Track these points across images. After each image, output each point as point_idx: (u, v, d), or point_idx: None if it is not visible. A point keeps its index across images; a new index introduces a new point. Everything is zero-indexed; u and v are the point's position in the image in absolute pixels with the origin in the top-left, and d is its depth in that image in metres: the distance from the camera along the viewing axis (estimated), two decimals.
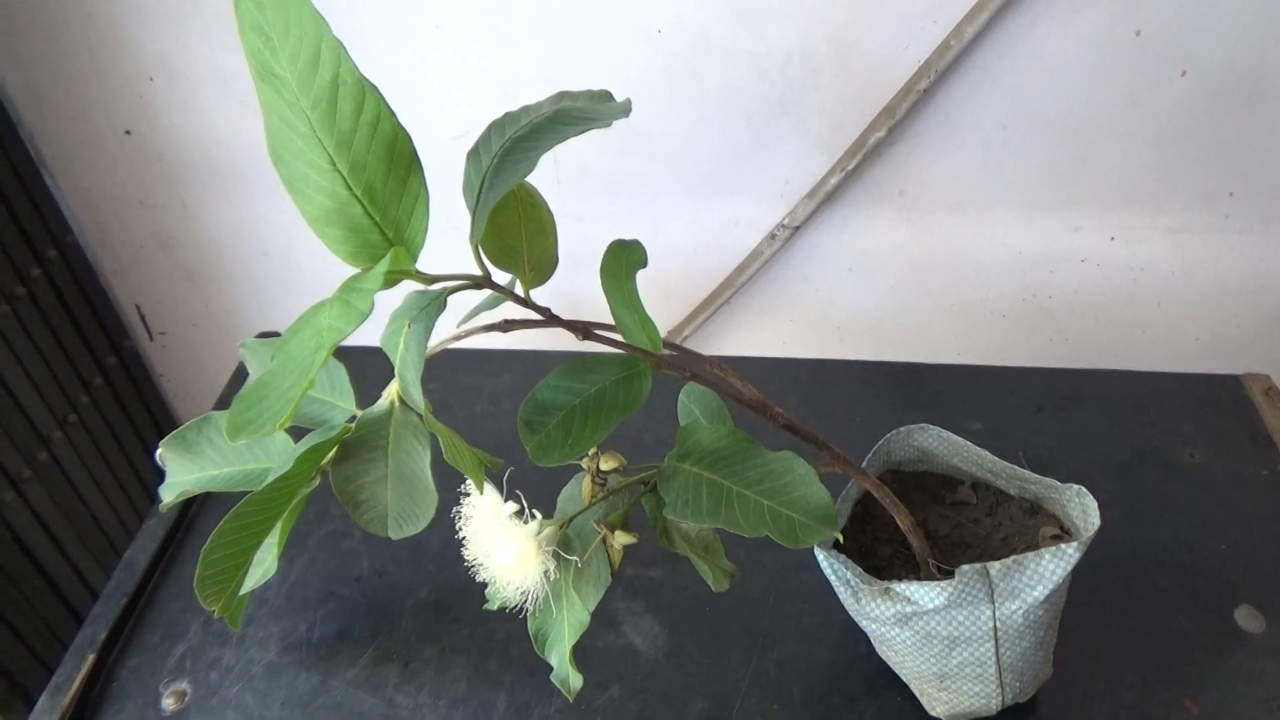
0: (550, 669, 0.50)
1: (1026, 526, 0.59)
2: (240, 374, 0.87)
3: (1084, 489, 0.55)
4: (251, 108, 0.96)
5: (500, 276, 0.47)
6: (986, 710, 0.57)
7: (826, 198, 0.92)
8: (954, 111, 0.86)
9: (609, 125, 0.44)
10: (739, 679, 0.62)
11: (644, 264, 0.48)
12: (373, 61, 0.92)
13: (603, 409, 0.47)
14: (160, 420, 1.29)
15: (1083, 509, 0.55)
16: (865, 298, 1.01)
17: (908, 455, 0.62)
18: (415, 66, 0.92)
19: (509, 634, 0.66)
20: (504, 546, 0.46)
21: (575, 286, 1.06)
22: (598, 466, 0.49)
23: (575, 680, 0.47)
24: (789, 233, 0.95)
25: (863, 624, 0.58)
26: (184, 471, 0.61)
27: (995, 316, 1.01)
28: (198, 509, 0.76)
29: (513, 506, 0.49)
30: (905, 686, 0.60)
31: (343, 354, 0.60)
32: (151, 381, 1.26)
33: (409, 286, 0.45)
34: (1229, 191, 0.89)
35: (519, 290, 0.47)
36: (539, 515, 0.48)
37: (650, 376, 0.48)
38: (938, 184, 0.91)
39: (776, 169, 0.92)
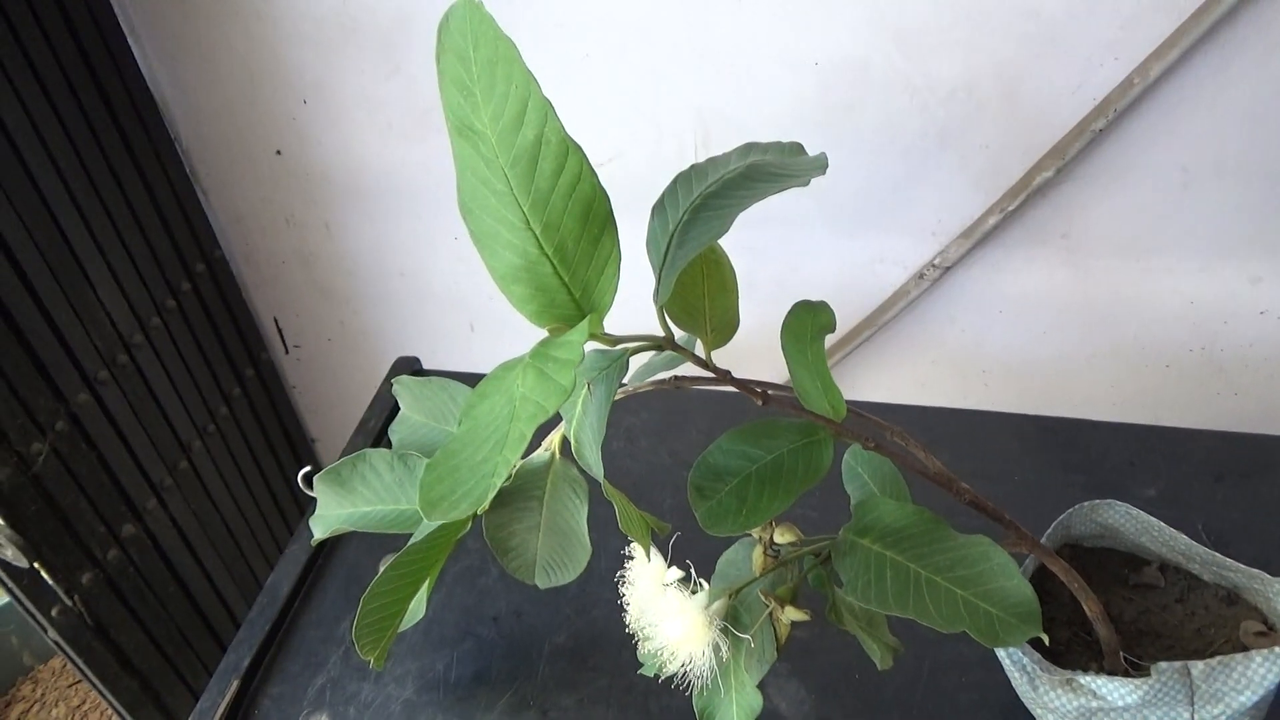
0: None
1: (1223, 617, 0.54)
2: (381, 401, 0.88)
3: None
4: (397, 133, 0.97)
5: (677, 334, 0.45)
6: None
7: (982, 238, 0.87)
8: (1129, 152, 0.81)
9: (807, 184, 0.42)
10: None
11: (832, 328, 0.46)
12: None
13: (780, 479, 0.44)
14: (290, 431, 1.32)
15: None
16: (1015, 342, 0.96)
17: (1089, 530, 0.57)
18: (562, 93, 0.91)
19: (648, 687, 0.64)
20: (672, 618, 0.44)
21: None
22: (771, 538, 0.46)
23: None
24: (939, 272, 0.90)
25: (1037, 713, 0.54)
26: (335, 506, 0.61)
27: (1158, 368, 0.95)
28: (337, 536, 0.76)
29: (677, 574, 0.47)
30: None
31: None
32: (285, 393, 1.29)
33: (590, 346, 0.43)
34: None
35: (700, 351, 0.45)
36: (706, 585, 0.45)
37: (831, 446, 0.45)
38: (1105, 227, 0.86)
39: (930, 206, 0.88)
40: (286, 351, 1.24)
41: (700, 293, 0.45)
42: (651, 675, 0.50)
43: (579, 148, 0.36)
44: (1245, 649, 0.51)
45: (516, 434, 0.33)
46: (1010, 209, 0.84)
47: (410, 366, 0.90)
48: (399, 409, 0.84)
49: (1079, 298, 0.91)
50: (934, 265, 0.90)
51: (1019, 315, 0.94)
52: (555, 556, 0.56)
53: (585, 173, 0.37)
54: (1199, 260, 0.87)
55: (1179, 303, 0.90)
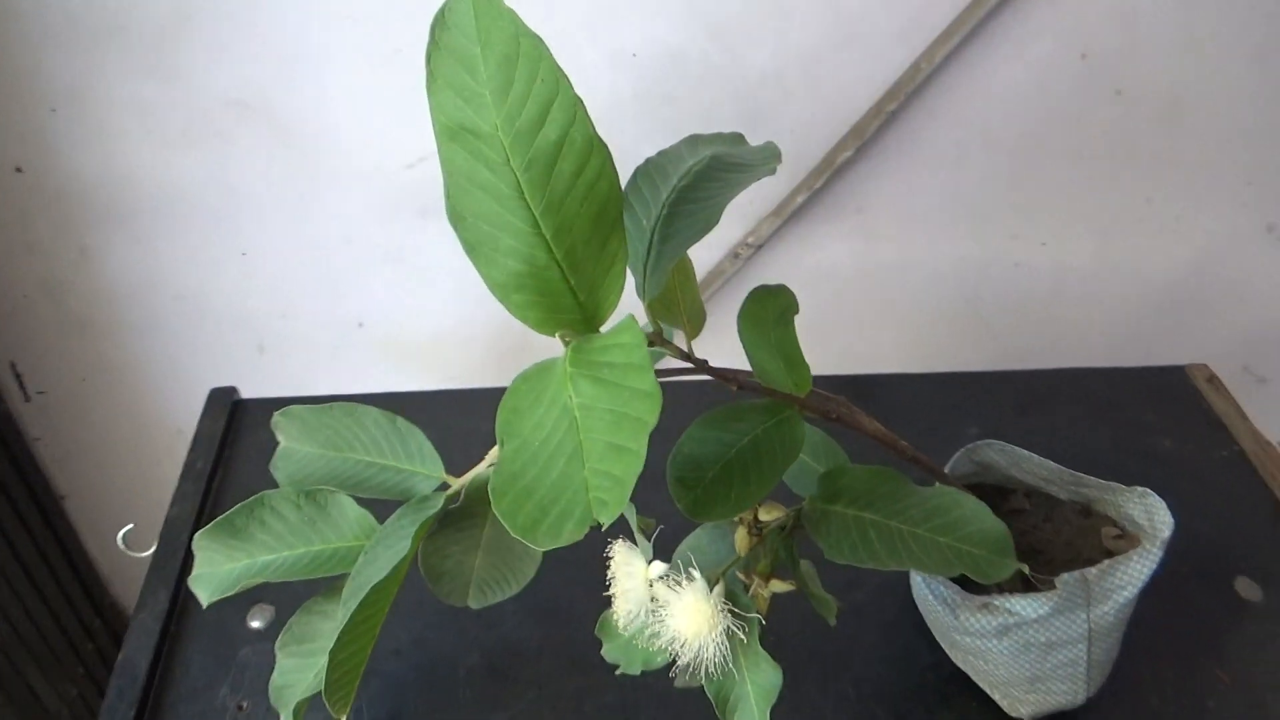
0: None
1: (1083, 529, 0.62)
2: (205, 441, 0.79)
3: (1148, 490, 0.59)
4: (171, 142, 0.88)
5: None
6: (1072, 705, 0.60)
7: (790, 216, 0.93)
8: (916, 131, 0.90)
9: (774, 172, 0.43)
10: (821, 707, 0.63)
11: (795, 309, 0.48)
12: (320, 83, 0.86)
13: (761, 460, 0.46)
14: (36, 488, 1.14)
15: (1147, 510, 0.59)
16: (818, 309, 1.04)
17: (967, 470, 0.64)
18: (369, 90, 0.86)
19: (578, 688, 0.63)
20: (677, 610, 0.44)
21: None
22: (755, 517, 0.48)
23: None
24: (752, 250, 0.96)
25: (955, 638, 0.59)
26: (226, 560, 0.55)
27: (935, 322, 1.07)
28: (188, 590, 0.68)
29: (662, 567, 0.47)
30: (979, 691, 0.62)
31: (395, 407, 0.56)
32: (25, 445, 1.12)
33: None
34: (1146, 198, 0.97)
35: (680, 343, 0.45)
36: (697, 574, 0.46)
37: (801, 422, 0.47)
38: (894, 200, 0.95)
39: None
40: (28, 399, 1.08)
41: (673, 284, 0.45)
42: (638, 674, 0.50)
43: (604, 146, 0.36)
44: (1110, 553, 0.60)
45: (602, 446, 0.32)
46: (816, 187, 0.91)
47: (229, 397, 0.82)
48: (222, 447, 0.77)
49: (870, 264, 1.00)
50: (747, 244, 0.95)
51: (820, 284, 1.02)
52: (495, 574, 0.54)
53: (606, 172, 0.36)
54: (968, 224, 0.98)
55: (951, 261, 1.01)
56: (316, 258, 0.99)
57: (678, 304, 0.45)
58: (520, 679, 0.64)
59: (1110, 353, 1.09)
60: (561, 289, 0.38)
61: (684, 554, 0.51)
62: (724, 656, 0.44)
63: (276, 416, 0.57)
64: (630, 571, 0.47)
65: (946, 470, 0.63)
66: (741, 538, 0.48)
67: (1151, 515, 0.58)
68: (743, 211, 0.94)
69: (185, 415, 1.10)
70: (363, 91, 0.86)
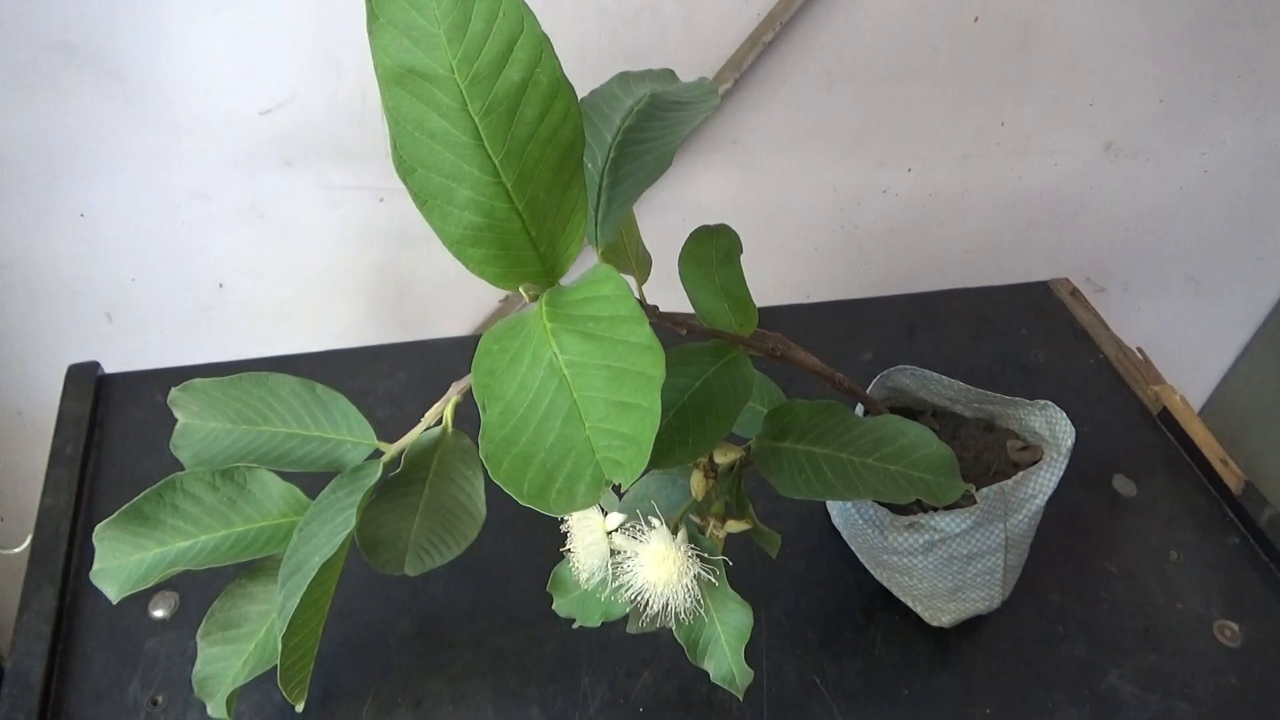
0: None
1: (989, 443, 0.66)
2: (71, 423, 0.72)
3: (1049, 403, 0.62)
4: (5, 88, 0.78)
5: None
6: (989, 609, 0.64)
7: None
8: (788, 61, 0.90)
9: (716, 108, 0.42)
10: (757, 635, 0.64)
11: (739, 249, 0.47)
12: (158, 20, 0.78)
13: (715, 402, 0.45)
14: None
15: (1048, 421, 0.62)
16: None
17: (881, 395, 0.66)
18: (216, 28, 0.79)
19: (517, 645, 0.62)
20: (644, 559, 0.44)
21: (407, 265, 0.99)
22: (710, 459, 0.47)
23: (744, 677, 0.46)
24: None
25: (882, 558, 0.62)
26: (134, 550, 0.51)
27: (809, 251, 1.09)
28: (75, 583, 0.63)
29: (619, 518, 0.46)
30: (900, 605, 0.65)
31: (302, 372, 0.53)
32: None
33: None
34: (1001, 121, 1.01)
35: (633, 289, 0.43)
36: (656, 523, 0.46)
37: (749, 361, 0.47)
38: (768, 131, 0.95)
39: None
40: None
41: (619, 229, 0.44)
42: (597, 625, 0.50)
43: (570, 87, 0.34)
44: (1016, 464, 0.63)
45: (602, 404, 0.31)
46: (696, 122, 0.90)
47: (91, 374, 0.75)
48: (91, 428, 0.71)
49: (750, 197, 1.01)
50: None
51: (699, 218, 1.01)
52: (433, 538, 0.52)
53: (571, 115, 0.34)
54: (839, 153, 1.00)
55: (824, 190, 1.03)
56: (166, 216, 0.91)
57: (625, 250, 0.44)
58: (455, 640, 0.62)
59: (973, 271, 1.14)
60: (523, 241, 0.36)
61: (635, 503, 0.51)
62: (695, 601, 0.44)
63: (175, 392, 0.52)
64: (588, 525, 0.46)
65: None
66: (698, 481, 0.47)
67: (1053, 426, 0.62)
68: None
69: (25, 394, 1.00)
70: (208, 29, 0.78)
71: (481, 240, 0.36)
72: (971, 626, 0.65)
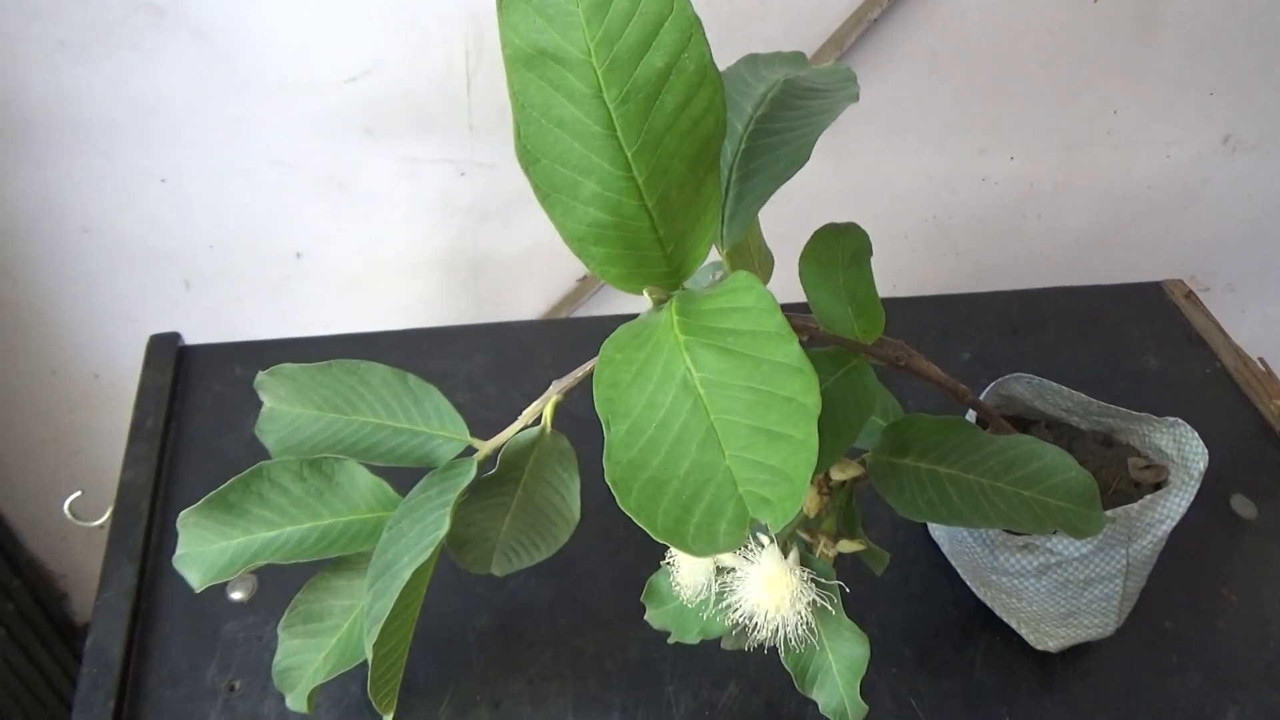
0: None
1: (1108, 459, 0.61)
2: (152, 394, 0.71)
3: (1179, 421, 0.58)
4: (73, 53, 0.77)
5: None
6: (1101, 636, 0.60)
7: None
8: (892, 39, 0.85)
9: (856, 99, 0.39)
10: None
11: (869, 251, 0.44)
12: None
13: (836, 414, 0.42)
14: None
15: (1176, 439, 0.58)
16: (786, 231, 1.00)
17: (992, 403, 0.62)
18: None
19: (598, 647, 0.60)
20: (758, 583, 0.41)
21: (484, 241, 0.96)
22: (826, 475, 0.44)
23: (857, 713, 0.43)
24: None
25: (990, 578, 0.58)
26: (219, 538, 0.49)
27: (898, 240, 1.04)
28: (154, 561, 0.62)
29: None
30: (1002, 625, 0.62)
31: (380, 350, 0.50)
32: None
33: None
34: (1114, 109, 0.96)
35: None
36: (766, 541, 0.43)
37: (871, 370, 0.43)
38: (864, 112, 0.91)
39: None
40: None
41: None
42: (695, 642, 0.47)
43: (718, 76, 0.30)
44: (1138, 484, 0.59)
45: (744, 430, 0.28)
46: None
47: (172, 345, 0.74)
48: (171, 401, 0.69)
49: (840, 180, 0.97)
50: None
51: (782, 203, 0.97)
52: (522, 539, 0.50)
53: (715, 105, 0.31)
54: (937, 136, 0.95)
55: (918, 177, 0.99)
56: (246, 183, 0.90)
57: (749, 249, 0.41)
58: (535, 640, 0.60)
59: (1073, 269, 1.09)
60: (650, 240, 0.33)
61: None
62: (806, 628, 0.41)
63: (262, 376, 0.51)
64: None
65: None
66: (812, 497, 0.44)
67: (1182, 446, 0.57)
68: None
69: (102, 359, 1.00)
70: None
71: (606, 239, 0.33)
72: (1078, 653, 0.61)
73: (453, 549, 0.49)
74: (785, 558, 0.42)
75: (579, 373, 0.42)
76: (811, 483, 0.45)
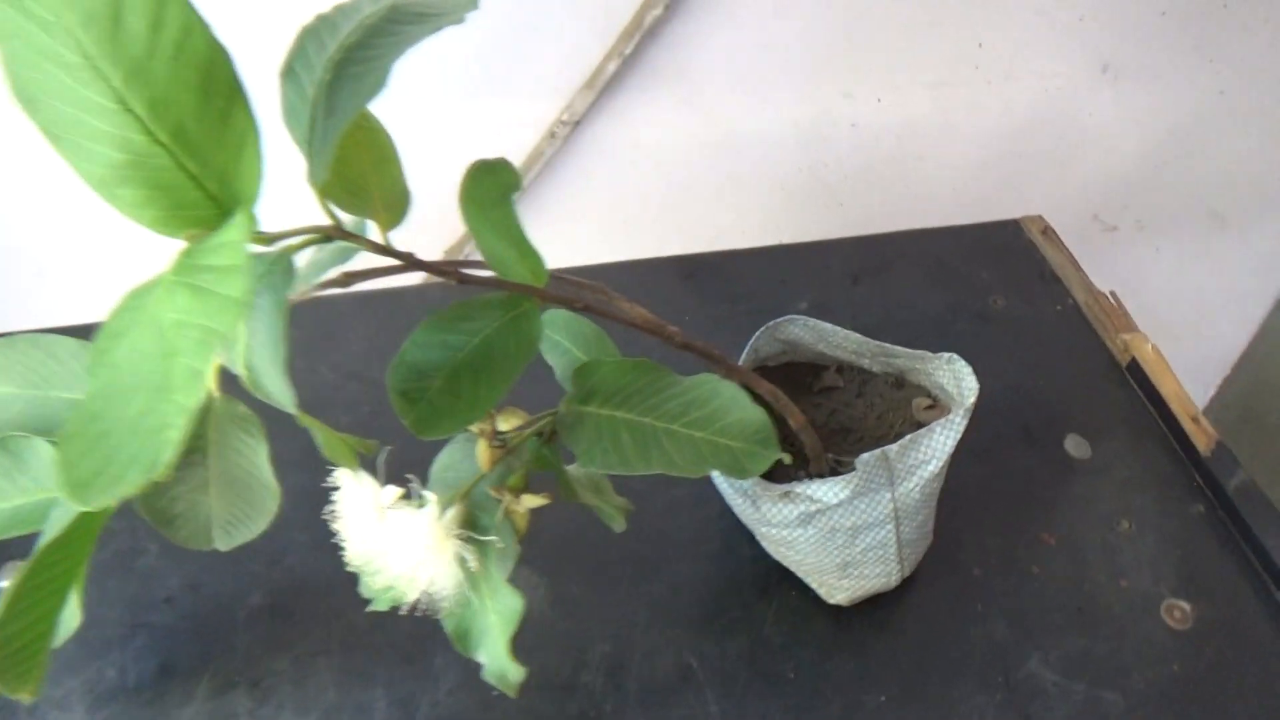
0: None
1: (896, 400, 0.59)
2: None
3: (955, 356, 0.55)
4: None
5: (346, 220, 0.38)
6: (886, 587, 0.57)
7: (605, 86, 0.86)
8: None
9: (462, 21, 0.36)
10: (632, 612, 0.59)
11: (518, 186, 0.41)
12: None
13: (493, 362, 0.40)
14: None
15: (954, 375, 0.55)
16: (650, 188, 0.97)
17: (774, 350, 0.59)
18: None
19: (373, 623, 0.58)
20: (404, 541, 0.39)
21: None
22: (494, 427, 0.42)
23: (515, 674, 0.41)
24: (569, 128, 0.88)
25: (761, 530, 0.56)
26: None
27: (774, 190, 1.01)
28: None
29: (395, 492, 0.41)
30: (798, 581, 0.59)
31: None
32: None
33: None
34: (979, 43, 0.92)
35: (374, 235, 0.38)
36: (432, 496, 0.40)
37: (539, 316, 0.41)
38: (716, 62, 0.88)
39: (550, 60, 0.84)
40: None
41: (361, 167, 0.38)
42: (387, 609, 0.45)
43: None
44: (920, 424, 0.56)
45: (183, 370, 0.25)
46: (627, 52, 0.83)
47: None
48: None
49: (700, 135, 0.94)
50: (563, 121, 0.88)
51: (649, 160, 0.95)
52: (235, 511, 0.48)
53: (194, 24, 0.28)
54: (799, 85, 0.92)
55: (783, 126, 0.95)
56: None
57: (369, 189, 0.38)
58: (307, 616, 0.58)
59: (961, 210, 1.05)
60: (180, 180, 0.31)
61: (437, 475, 0.46)
62: (460, 587, 0.39)
63: None
64: (359, 501, 0.41)
65: (750, 351, 0.58)
66: (483, 451, 0.42)
67: (959, 381, 0.55)
68: (554, 84, 0.86)
69: None
70: None
71: (129, 179, 0.30)
72: (874, 604, 0.59)
73: (161, 526, 0.47)
74: (443, 515, 0.39)
75: None
76: (482, 435, 0.42)
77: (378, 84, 0.34)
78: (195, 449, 0.45)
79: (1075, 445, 0.68)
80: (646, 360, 0.42)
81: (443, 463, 0.46)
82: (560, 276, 0.44)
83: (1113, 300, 0.76)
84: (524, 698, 0.55)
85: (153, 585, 0.59)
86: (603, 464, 0.40)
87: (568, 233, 0.99)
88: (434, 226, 0.92)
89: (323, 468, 0.40)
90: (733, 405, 0.40)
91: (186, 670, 0.56)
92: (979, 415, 0.69)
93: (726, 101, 0.91)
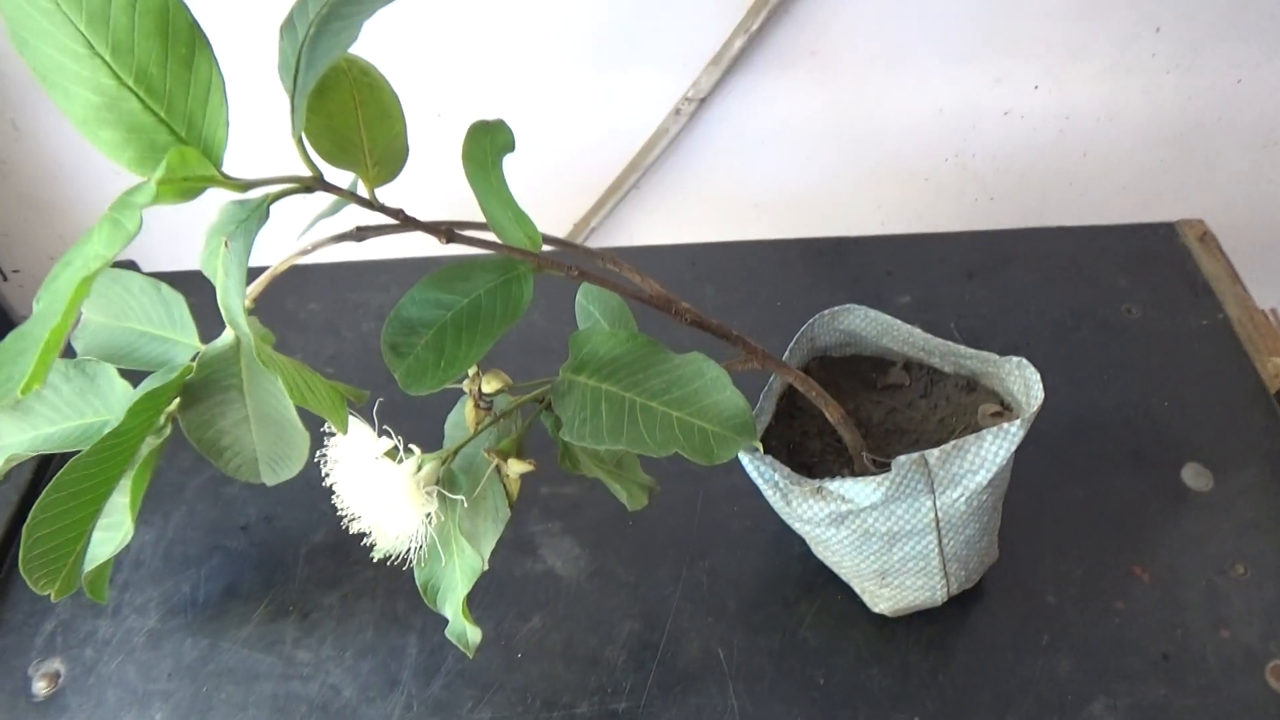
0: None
1: (964, 405, 0.54)
2: None
3: (1024, 360, 0.50)
4: None
5: (338, 176, 0.39)
6: (932, 602, 0.53)
7: (731, 64, 0.84)
8: None
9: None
10: (668, 595, 0.58)
11: (511, 147, 0.41)
12: None
13: (478, 322, 0.40)
14: None
15: (1024, 382, 0.50)
16: (781, 171, 0.94)
17: (834, 340, 0.56)
18: None
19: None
20: (378, 491, 0.40)
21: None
22: (479, 389, 0.42)
23: (473, 635, 0.41)
24: (694, 105, 0.87)
25: (795, 526, 0.53)
26: (16, 432, 0.53)
27: (917, 180, 0.96)
28: (58, 466, 0.68)
29: (385, 444, 0.42)
30: (845, 584, 0.56)
31: (183, 281, 0.52)
32: (12, 323, 1.15)
33: (224, 197, 0.37)
34: (1156, 27, 0.83)
35: (361, 190, 0.39)
36: (416, 450, 0.41)
37: (531, 280, 0.41)
38: (850, 40, 0.84)
39: (675, 36, 0.83)
40: (5, 278, 1.10)
41: (354, 122, 0.39)
42: (383, 558, 0.46)
43: None
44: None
45: (75, 295, 0.27)
46: (754, 29, 0.81)
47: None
48: None
49: (835, 118, 0.90)
50: (688, 99, 0.86)
51: (780, 143, 0.92)
52: (275, 449, 0.50)
53: None
54: (941, 66, 0.86)
55: (927, 112, 0.90)
56: None
57: (358, 143, 0.39)
58: (362, 559, 0.61)
59: (1125, 213, 0.96)
60: (150, 123, 0.33)
61: (448, 433, 0.47)
62: (427, 542, 0.39)
63: None
64: (353, 452, 0.42)
65: (804, 339, 0.55)
66: (470, 413, 0.42)
67: (1028, 388, 0.50)
68: (680, 61, 0.85)
69: None
70: None
71: (105, 122, 0.33)
72: (927, 618, 0.55)
73: (212, 457, 0.50)
74: (417, 471, 0.40)
75: (265, 279, 0.42)
76: (467, 392, 0.43)
77: (350, 37, 0.35)
78: (230, 387, 0.48)
79: (1194, 475, 0.61)
80: (641, 334, 0.41)
81: (453, 420, 0.47)
82: (566, 243, 0.43)
83: (1271, 319, 0.67)
84: (547, 664, 0.55)
85: (234, 513, 0.64)
86: (579, 434, 0.39)
87: (695, 213, 0.98)
88: (555, 204, 0.94)
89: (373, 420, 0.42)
90: (714, 387, 0.38)
91: (248, 594, 0.60)
92: (1084, 432, 0.63)
93: (862, 84, 0.87)
